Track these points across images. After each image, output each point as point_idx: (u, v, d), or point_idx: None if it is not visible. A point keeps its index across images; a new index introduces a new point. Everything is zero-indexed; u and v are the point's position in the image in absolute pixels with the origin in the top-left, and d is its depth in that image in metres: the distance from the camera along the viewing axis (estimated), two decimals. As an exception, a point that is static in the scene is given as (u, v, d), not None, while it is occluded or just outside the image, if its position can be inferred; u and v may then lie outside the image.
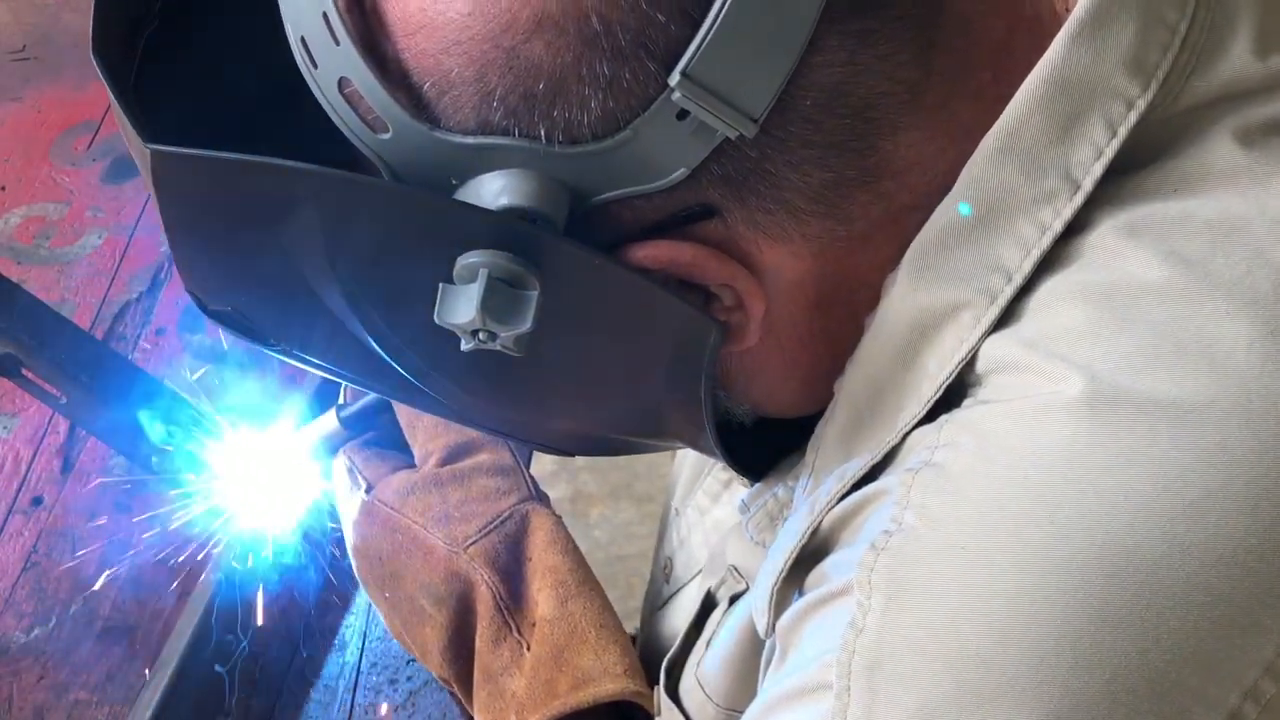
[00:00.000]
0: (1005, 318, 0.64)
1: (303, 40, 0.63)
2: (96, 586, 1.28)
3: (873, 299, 0.68)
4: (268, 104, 0.69)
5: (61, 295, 1.54)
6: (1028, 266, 0.63)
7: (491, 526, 0.99)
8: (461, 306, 0.61)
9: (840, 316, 0.69)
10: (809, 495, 0.71)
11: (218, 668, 1.22)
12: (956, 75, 0.64)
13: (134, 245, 1.59)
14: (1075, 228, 0.63)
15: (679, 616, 0.99)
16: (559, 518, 1.03)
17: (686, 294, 0.66)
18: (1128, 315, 0.60)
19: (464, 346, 0.63)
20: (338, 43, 0.61)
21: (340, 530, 1.11)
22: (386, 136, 0.62)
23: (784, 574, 0.69)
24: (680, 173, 0.62)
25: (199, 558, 1.26)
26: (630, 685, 0.94)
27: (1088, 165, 0.63)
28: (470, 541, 0.98)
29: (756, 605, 0.73)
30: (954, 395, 0.65)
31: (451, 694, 1.02)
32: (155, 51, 0.72)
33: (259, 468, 1.18)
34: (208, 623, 1.20)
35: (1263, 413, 0.57)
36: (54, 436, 1.41)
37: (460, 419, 0.85)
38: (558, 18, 0.58)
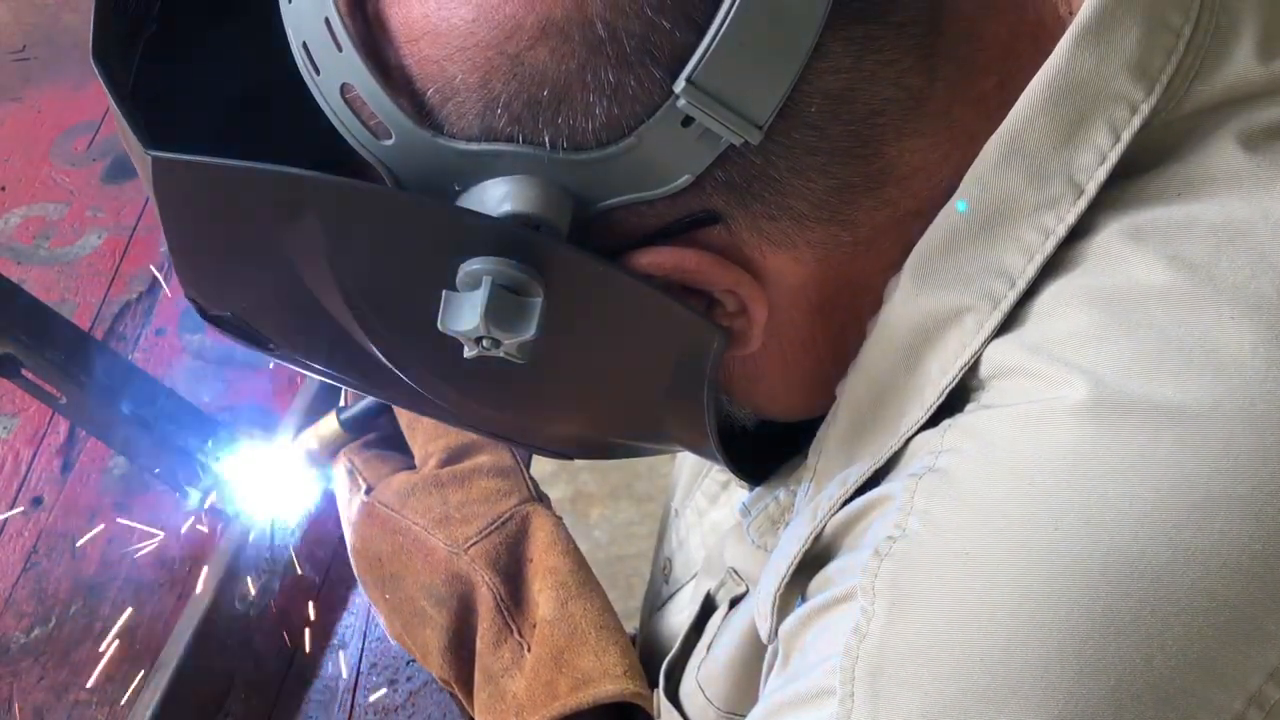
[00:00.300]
0: (1008, 322, 0.64)
1: (304, 46, 0.62)
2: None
3: (876, 303, 0.68)
4: (268, 109, 0.69)
5: (61, 295, 1.54)
6: (1031, 271, 0.63)
7: (492, 528, 0.99)
8: (465, 314, 0.61)
9: (843, 321, 0.69)
10: (811, 499, 0.71)
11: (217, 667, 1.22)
12: (960, 81, 0.64)
13: (134, 245, 1.58)
14: (1079, 232, 0.63)
15: (677, 617, 0.99)
16: (559, 519, 1.03)
17: (690, 300, 0.66)
18: (1131, 320, 0.60)
19: (467, 353, 0.63)
20: (340, 49, 0.61)
21: (341, 531, 1.11)
22: (389, 143, 0.62)
23: (787, 579, 0.69)
24: (685, 179, 0.62)
25: (199, 558, 1.26)
26: (630, 686, 0.94)
27: (1091, 170, 0.63)
28: (471, 543, 0.99)
29: (759, 610, 0.73)
30: (957, 400, 0.64)
31: (452, 695, 1.02)
32: (155, 56, 0.71)
33: (260, 469, 1.18)
34: (208, 623, 1.20)
35: (1267, 417, 0.57)
36: (54, 436, 1.41)
37: (461, 424, 0.85)
38: (563, 24, 0.58)
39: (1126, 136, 0.62)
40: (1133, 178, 0.63)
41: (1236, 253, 0.60)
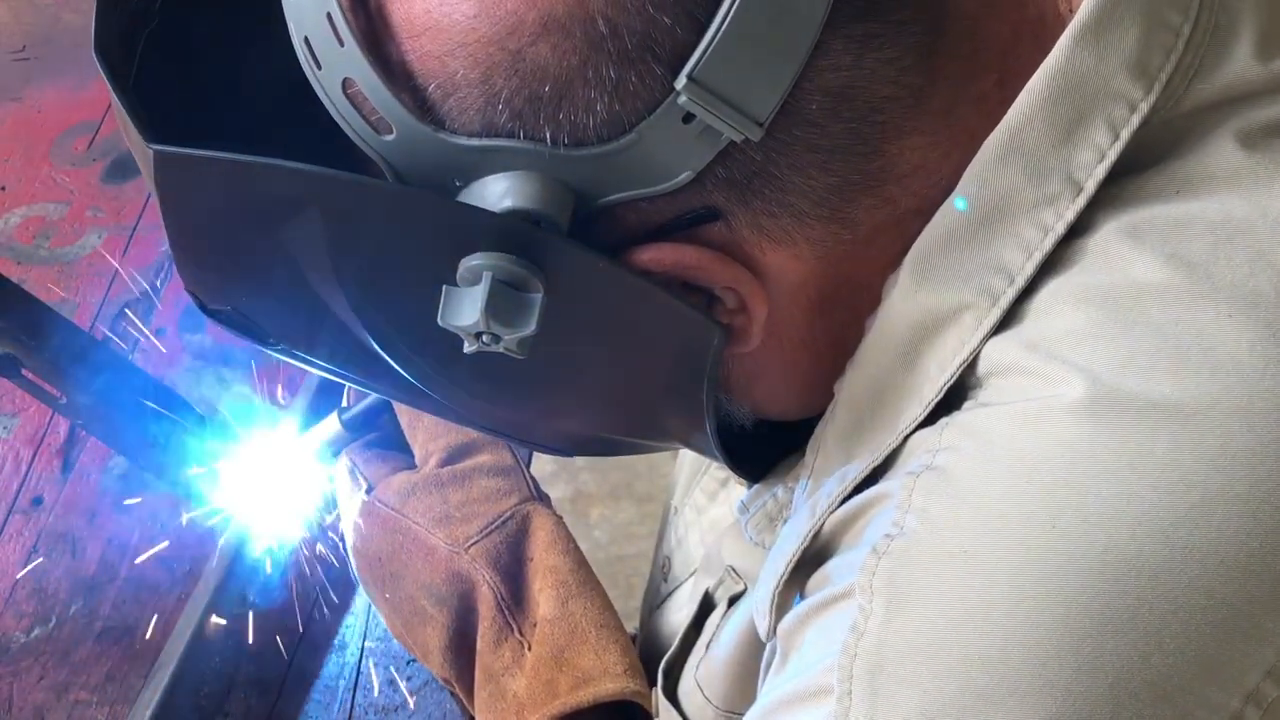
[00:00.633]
0: (1007, 320, 0.64)
1: (306, 41, 0.62)
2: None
3: (875, 301, 0.68)
4: (270, 103, 0.69)
5: (61, 295, 1.54)
6: (1030, 268, 0.63)
7: (493, 527, 0.99)
8: (465, 309, 0.61)
9: (842, 319, 0.70)
10: (809, 497, 0.71)
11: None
12: (961, 79, 0.64)
13: (134, 245, 1.59)
14: (1077, 230, 0.63)
15: (676, 615, 0.99)
16: (560, 518, 1.03)
17: (690, 296, 0.66)
18: (1129, 318, 0.60)
19: (467, 349, 0.63)
20: (342, 44, 0.61)
21: (341, 530, 1.11)
22: (390, 138, 0.62)
23: (785, 577, 0.69)
24: (685, 176, 0.62)
25: (199, 558, 1.26)
26: (630, 685, 0.94)
27: (1090, 167, 0.63)
28: (471, 542, 0.99)
29: (758, 608, 0.73)
30: (955, 397, 0.65)
31: (452, 694, 1.02)
32: (157, 50, 0.72)
33: (261, 468, 1.18)
34: (208, 623, 1.20)
35: (1264, 415, 0.57)
36: (54, 436, 1.41)
37: (461, 420, 0.85)
38: (564, 20, 0.58)
39: (1125, 135, 0.63)
40: (1132, 176, 0.63)
41: (1235, 251, 0.60)
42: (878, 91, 0.62)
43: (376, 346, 0.70)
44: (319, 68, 0.62)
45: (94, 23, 0.66)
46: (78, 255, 1.60)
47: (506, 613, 0.97)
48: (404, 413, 1.07)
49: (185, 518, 1.25)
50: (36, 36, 1.84)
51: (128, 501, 1.34)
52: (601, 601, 0.98)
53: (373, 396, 1.07)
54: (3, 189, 1.67)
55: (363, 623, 1.25)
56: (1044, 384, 0.60)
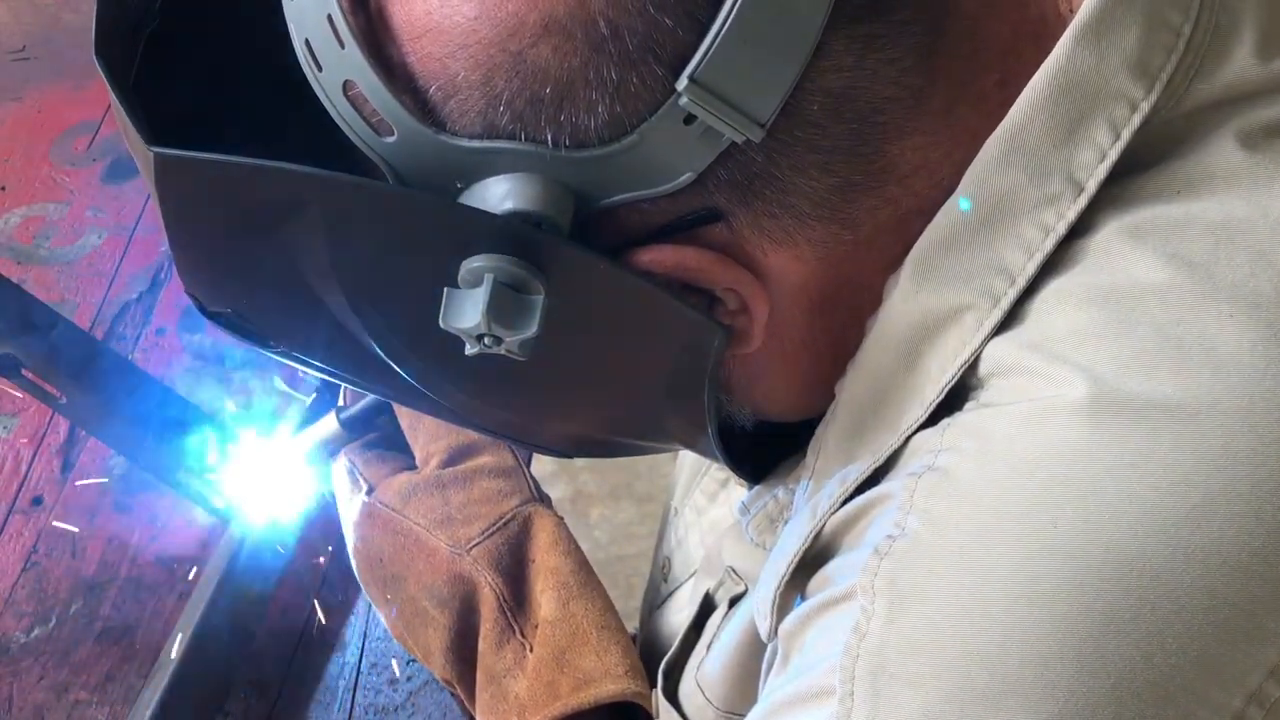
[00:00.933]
0: (1008, 320, 0.64)
1: (307, 43, 0.62)
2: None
3: (876, 302, 0.68)
4: (270, 105, 0.69)
5: (61, 295, 1.54)
6: (1031, 268, 0.63)
7: (494, 528, 0.99)
8: (467, 311, 0.61)
9: (843, 320, 0.69)
10: (810, 498, 0.71)
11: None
12: (962, 79, 0.64)
13: (134, 245, 1.59)
14: (1078, 230, 0.63)
15: (676, 616, 0.99)
16: (561, 519, 1.03)
17: (691, 298, 0.66)
18: (1131, 318, 0.60)
19: (468, 351, 0.63)
20: (342, 45, 0.61)
21: (341, 531, 1.11)
22: (391, 140, 0.62)
23: (786, 578, 0.69)
24: (686, 177, 0.62)
25: (199, 558, 1.26)
26: (631, 686, 0.94)
27: (1091, 167, 0.63)
28: (473, 544, 0.99)
29: (759, 609, 0.72)
30: (956, 398, 0.64)
31: (453, 695, 1.02)
32: (157, 51, 0.71)
33: (260, 468, 1.18)
34: (208, 623, 1.20)
35: (1266, 415, 0.57)
36: (54, 436, 1.41)
37: (462, 421, 0.85)
38: (565, 22, 0.58)
39: (1126, 135, 0.62)
40: (1133, 176, 0.63)
41: (1236, 251, 0.60)
42: (879, 92, 0.62)
43: (377, 349, 0.69)
44: (319, 69, 0.62)
45: (94, 24, 0.66)
46: (78, 255, 1.60)
47: (508, 614, 0.97)
48: (405, 413, 1.07)
49: (185, 517, 1.25)
50: (36, 36, 1.85)
51: (128, 501, 1.34)
52: (603, 603, 0.98)
53: (371, 396, 1.07)
54: (3, 189, 1.67)
55: (363, 623, 1.25)
56: (1046, 384, 0.60)
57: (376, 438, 1.09)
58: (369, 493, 1.04)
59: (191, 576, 1.28)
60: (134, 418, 1.19)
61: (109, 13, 0.67)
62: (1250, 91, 0.64)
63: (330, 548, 1.19)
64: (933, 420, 0.65)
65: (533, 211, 0.61)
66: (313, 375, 0.83)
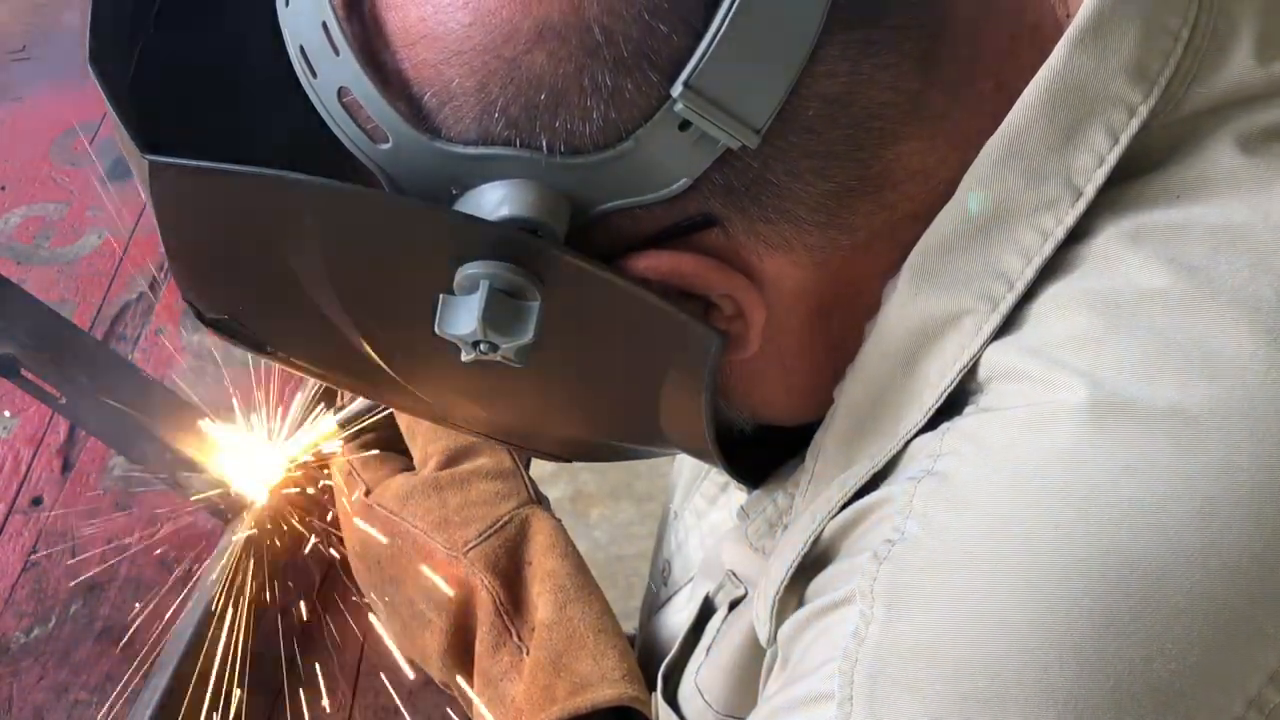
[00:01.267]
0: (1007, 325, 0.64)
1: (302, 50, 0.62)
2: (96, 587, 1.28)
3: (873, 307, 0.68)
4: (265, 111, 0.69)
5: (61, 295, 1.54)
6: (1030, 273, 0.63)
7: (491, 531, 0.99)
8: (462, 318, 0.61)
9: (841, 324, 0.69)
10: (809, 503, 0.71)
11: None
12: (958, 84, 0.64)
13: (134, 245, 1.58)
14: (1077, 234, 0.63)
15: (676, 619, 0.99)
16: (559, 521, 1.03)
17: (687, 304, 0.66)
18: (1130, 323, 0.60)
19: (464, 357, 0.62)
20: (337, 52, 0.61)
21: (340, 532, 1.11)
22: (386, 147, 0.62)
23: (786, 583, 0.69)
24: (682, 183, 0.62)
25: (199, 558, 1.26)
26: (628, 690, 0.94)
27: (1089, 172, 0.63)
28: (470, 546, 0.98)
29: (758, 613, 0.72)
30: (955, 403, 0.64)
31: (451, 698, 1.02)
32: (151, 59, 0.71)
33: (259, 468, 1.18)
34: (208, 623, 1.20)
35: (1266, 420, 0.57)
36: (54, 436, 1.41)
37: (458, 427, 0.85)
38: (560, 28, 0.58)
39: (1124, 139, 0.62)
40: (1131, 180, 0.63)
41: (1235, 255, 0.60)
42: (875, 97, 0.62)
43: (373, 354, 0.69)
44: (314, 77, 0.62)
45: (88, 32, 0.66)
46: (78, 255, 1.59)
47: (505, 617, 0.97)
48: (402, 415, 1.07)
49: (184, 517, 1.25)
50: (36, 36, 1.84)
51: (127, 501, 1.34)
52: (600, 606, 0.98)
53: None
54: (3, 189, 1.67)
55: (363, 623, 1.25)
56: (1045, 389, 0.60)
57: (375, 439, 1.09)
58: (366, 494, 1.05)
59: (191, 576, 1.28)
60: (134, 418, 1.19)
61: (103, 18, 0.67)
62: (1249, 95, 0.64)
63: (330, 548, 1.19)
64: (932, 425, 0.65)
65: (528, 218, 0.61)
66: (310, 379, 0.83)
